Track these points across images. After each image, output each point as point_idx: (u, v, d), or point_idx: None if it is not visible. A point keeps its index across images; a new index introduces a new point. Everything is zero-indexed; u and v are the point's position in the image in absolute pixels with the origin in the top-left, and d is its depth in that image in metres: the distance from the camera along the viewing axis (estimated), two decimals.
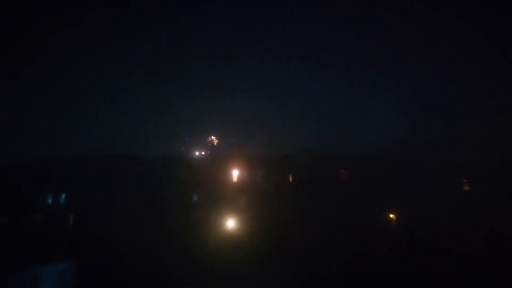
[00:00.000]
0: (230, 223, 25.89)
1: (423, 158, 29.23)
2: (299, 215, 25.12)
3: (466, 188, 27.77)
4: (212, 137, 32.34)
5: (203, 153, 31.69)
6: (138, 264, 21.51)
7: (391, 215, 26.60)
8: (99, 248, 22.68)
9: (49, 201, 26.20)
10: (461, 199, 26.71)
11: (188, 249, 22.93)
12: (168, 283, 21.29)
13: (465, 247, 22.01)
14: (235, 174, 27.86)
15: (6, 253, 21.53)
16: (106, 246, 22.79)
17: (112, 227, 23.85)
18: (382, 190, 26.50)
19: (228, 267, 21.49)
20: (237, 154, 28.48)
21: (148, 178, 26.62)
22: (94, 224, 24.36)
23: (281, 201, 25.98)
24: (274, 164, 28.33)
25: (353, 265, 22.29)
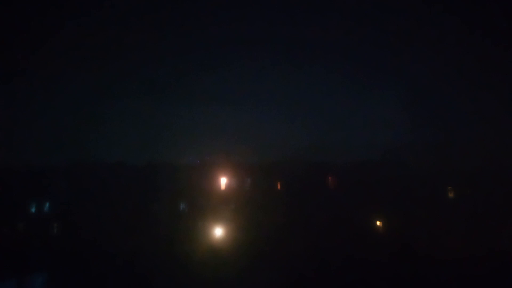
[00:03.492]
0: (218, 231, 25.77)
1: (415, 164, 29.27)
2: (288, 222, 25.06)
3: (458, 194, 27.75)
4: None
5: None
6: (126, 272, 21.37)
7: (379, 222, 26.58)
8: (85, 257, 22.51)
9: (34, 209, 25.92)
10: (452, 205, 26.75)
11: (176, 257, 22.85)
12: None
13: (456, 254, 22.08)
14: (223, 181, 27.75)
15: None
16: (92, 255, 22.63)
17: (99, 235, 23.68)
18: (372, 197, 26.49)
19: (216, 274, 21.41)
20: (225, 162, 28.37)
21: (136, 187, 26.45)
22: (81, 232, 24.14)
23: (270, 209, 25.92)
24: (262, 171, 28.26)
25: (342, 272, 22.26)
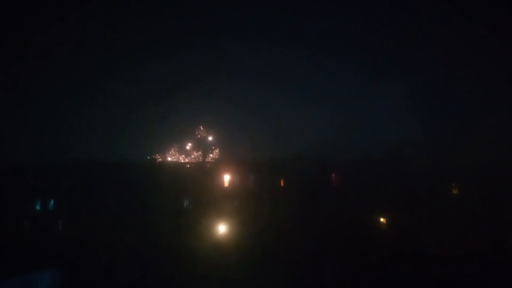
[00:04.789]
0: (222, 228, 25.70)
1: (417, 162, 29.07)
2: (291, 220, 24.93)
3: (460, 191, 27.54)
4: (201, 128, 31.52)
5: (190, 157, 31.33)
6: (128, 269, 21.33)
7: (383, 219, 26.42)
8: (88, 254, 22.48)
9: (38, 207, 25.89)
10: (455, 203, 26.56)
11: (179, 254, 22.77)
12: None
13: (458, 252, 21.93)
14: (226, 179, 27.63)
15: None
16: (95, 252, 22.61)
17: (102, 233, 23.66)
18: (375, 195, 26.31)
19: (220, 272, 21.33)
20: (228, 159, 28.23)
21: (138, 184, 26.37)
22: (84, 230, 24.12)
23: (273, 206, 25.79)
24: (265, 169, 28.11)
25: (345, 270, 22.14)
